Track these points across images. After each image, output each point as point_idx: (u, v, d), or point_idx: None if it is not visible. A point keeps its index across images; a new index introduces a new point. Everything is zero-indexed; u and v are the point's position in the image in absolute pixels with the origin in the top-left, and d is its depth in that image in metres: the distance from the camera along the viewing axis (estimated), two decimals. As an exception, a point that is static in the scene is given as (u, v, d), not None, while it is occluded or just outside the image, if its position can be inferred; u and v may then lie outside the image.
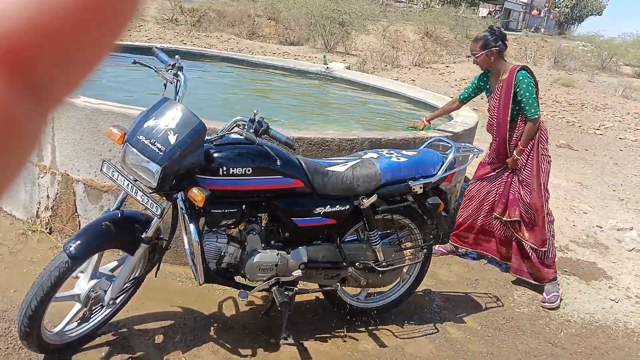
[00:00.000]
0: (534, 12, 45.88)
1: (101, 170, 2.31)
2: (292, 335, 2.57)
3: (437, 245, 3.66)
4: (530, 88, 3.43)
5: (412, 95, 6.25)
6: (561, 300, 3.56)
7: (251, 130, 2.25)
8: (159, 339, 2.53)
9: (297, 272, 2.49)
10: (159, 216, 2.24)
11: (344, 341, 2.75)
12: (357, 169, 2.59)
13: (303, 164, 2.47)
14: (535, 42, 24.28)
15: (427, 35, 19.85)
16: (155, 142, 2.09)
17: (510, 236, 3.67)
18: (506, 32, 3.88)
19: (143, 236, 2.26)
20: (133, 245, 2.29)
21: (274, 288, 2.50)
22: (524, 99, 3.43)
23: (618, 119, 11.21)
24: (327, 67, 7.23)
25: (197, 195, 2.10)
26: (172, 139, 2.09)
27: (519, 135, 3.53)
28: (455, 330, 3.03)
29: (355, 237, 2.82)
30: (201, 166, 2.20)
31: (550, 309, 3.46)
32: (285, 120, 4.88)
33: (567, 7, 49.66)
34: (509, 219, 3.60)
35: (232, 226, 2.44)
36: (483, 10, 38.30)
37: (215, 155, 2.24)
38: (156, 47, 2.55)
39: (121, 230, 2.25)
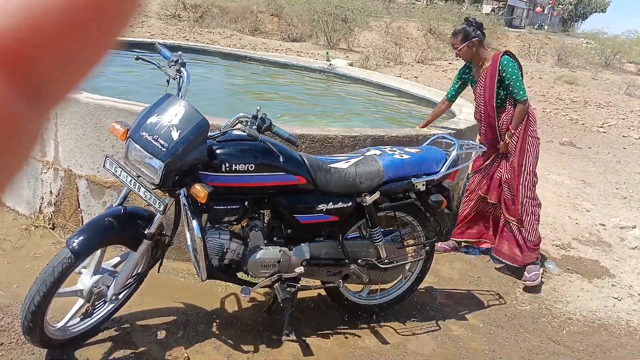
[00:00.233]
0: (538, 9, 45.73)
1: (104, 166, 2.31)
2: (294, 331, 2.57)
3: (440, 242, 3.68)
4: (515, 71, 3.50)
5: (415, 92, 6.23)
6: (542, 281, 3.66)
7: (254, 127, 2.25)
8: (161, 334, 2.54)
9: (300, 269, 2.50)
10: (161, 212, 2.24)
11: (346, 338, 2.75)
12: (359, 166, 2.58)
13: (306, 161, 2.47)
14: (539, 39, 24.20)
15: (430, 32, 19.80)
16: (158, 138, 2.09)
17: (499, 217, 3.78)
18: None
19: (146, 232, 2.27)
20: (136, 241, 2.29)
21: (277, 285, 2.50)
22: (511, 82, 3.49)
23: (621, 116, 11.18)
24: (330, 64, 7.22)
25: (200, 191, 2.10)
26: (175, 135, 2.09)
27: (509, 119, 3.59)
28: (458, 327, 3.03)
29: (358, 234, 2.82)
30: (204, 162, 2.19)
31: (531, 286, 3.57)
32: (288, 116, 4.88)
33: (571, 4, 49.46)
34: (490, 201, 3.75)
35: (235, 222, 2.44)
36: (486, 7, 38.17)
37: (218, 151, 2.24)
38: (159, 43, 2.55)
39: (124, 226, 2.25)
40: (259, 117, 2.27)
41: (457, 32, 3.59)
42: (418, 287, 3.10)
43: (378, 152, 2.71)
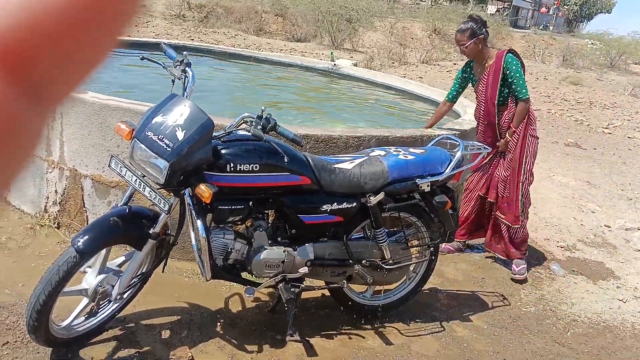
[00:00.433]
0: (543, 9, 45.59)
1: (109, 165, 2.31)
2: (298, 331, 2.57)
3: (444, 243, 3.67)
4: (519, 69, 3.52)
5: (420, 93, 6.22)
6: (527, 276, 3.76)
7: (259, 127, 2.25)
8: (165, 334, 2.54)
9: (304, 269, 2.50)
10: (166, 212, 2.25)
11: (350, 338, 2.75)
12: (364, 167, 2.58)
13: (310, 161, 2.47)
14: (544, 40, 24.13)
15: (435, 33, 19.77)
16: (163, 138, 2.10)
17: (487, 213, 3.85)
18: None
19: (150, 232, 2.27)
20: (141, 241, 2.30)
21: (281, 285, 2.50)
22: (514, 81, 3.51)
23: (627, 117, 11.14)
24: (335, 64, 7.21)
25: (205, 191, 2.11)
26: (180, 135, 2.10)
27: (510, 118, 3.60)
28: (462, 328, 3.03)
29: (362, 235, 2.82)
30: (209, 162, 2.20)
31: (519, 280, 3.66)
32: (293, 117, 4.88)
33: (576, 5, 49.30)
34: (489, 200, 3.76)
35: (239, 222, 2.45)
36: (491, 8, 38.09)
37: (222, 151, 2.24)
38: (164, 43, 2.56)
39: (129, 226, 2.26)
40: (264, 117, 2.27)
41: (464, 29, 3.56)
42: (422, 288, 3.10)
43: (382, 153, 2.70)
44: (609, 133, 9.89)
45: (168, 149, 2.08)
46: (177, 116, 2.14)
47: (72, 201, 3.29)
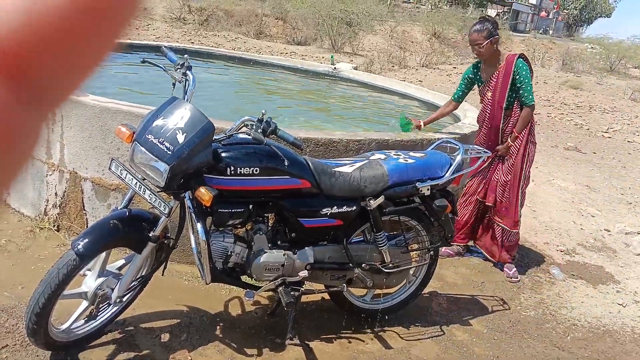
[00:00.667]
0: (543, 13, 45.69)
1: (110, 168, 2.31)
2: (298, 335, 2.57)
3: (444, 247, 3.67)
4: (528, 75, 3.53)
5: (419, 96, 6.23)
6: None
7: (259, 130, 2.25)
8: (165, 337, 2.54)
9: (304, 273, 2.49)
10: (166, 215, 2.25)
11: (350, 342, 2.74)
12: (364, 170, 2.58)
13: (310, 165, 2.47)
14: (544, 44, 24.18)
15: (435, 36, 19.81)
16: (163, 141, 2.10)
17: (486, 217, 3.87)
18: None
19: (150, 235, 2.27)
20: (140, 244, 2.30)
21: (280, 288, 2.50)
22: (522, 86, 3.51)
23: (626, 122, 11.15)
24: (335, 68, 7.23)
25: (205, 194, 2.11)
26: (181, 138, 2.10)
27: (514, 122, 3.61)
28: (461, 332, 3.02)
29: (362, 238, 2.82)
30: (209, 165, 2.20)
31: (514, 282, 3.70)
32: (293, 120, 4.89)
33: (576, 9, 49.42)
34: (487, 204, 3.77)
35: (239, 226, 2.45)
36: (491, 12, 38.17)
37: (223, 154, 2.24)
38: (165, 47, 2.56)
39: (129, 229, 2.26)
40: (264, 120, 2.28)
41: (481, 28, 3.51)
42: (422, 292, 3.10)
43: (383, 156, 2.71)
44: (609, 137, 9.89)
45: (168, 152, 2.08)
46: (178, 119, 2.14)
47: (72, 204, 3.29)
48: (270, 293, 2.82)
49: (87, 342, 2.40)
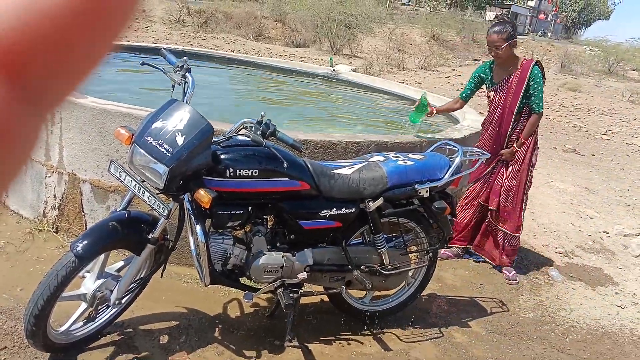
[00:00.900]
0: (541, 16, 45.77)
1: (109, 170, 2.31)
2: (297, 337, 2.56)
3: (443, 249, 3.68)
4: (541, 82, 3.54)
5: (418, 98, 6.23)
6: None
7: (258, 132, 2.25)
8: (164, 339, 2.54)
9: (303, 275, 2.49)
10: (165, 217, 2.25)
11: (349, 344, 2.74)
12: (363, 172, 2.58)
13: (309, 167, 2.47)
14: (542, 46, 24.23)
15: (434, 39, 19.85)
16: (162, 143, 2.10)
17: (486, 220, 3.86)
18: (503, 16, 3.91)
19: (149, 237, 2.27)
20: (139, 246, 2.30)
21: (279, 290, 2.50)
22: (535, 93, 3.51)
23: (625, 124, 11.17)
24: (334, 70, 7.23)
25: (204, 196, 2.11)
26: (180, 140, 2.10)
27: (521, 128, 3.61)
28: (460, 334, 3.02)
29: (361, 240, 2.82)
30: (208, 167, 2.20)
31: (513, 284, 3.71)
32: (292, 122, 4.89)
33: (574, 12, 49.53)
34: (490, 207, 3.76)
35: (238, 228, 2.44)
36: (490, 14, 38.23)
37: (222, 156, 2.24)
38: (164, 49, 2.56)
39: (128, 231, 2.26)
40: (263, 122, 2.28)
41: (501, 30, 3.46)
42: (421, 294, 3.10)
43: (382, 158, 2.71)
44: (607, 139, 9.91)
45: (167, 154, 2.08)
46: (177, 121, 2.14)
47: (70, 206, 3.28)
48: (269, 295, 2.82)
49: (86, 344, 2.39)
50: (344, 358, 2.63)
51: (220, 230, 2.41)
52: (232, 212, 2.30)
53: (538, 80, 3.50)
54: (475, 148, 3.19)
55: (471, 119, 4.57)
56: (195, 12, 16.74)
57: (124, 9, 0.26)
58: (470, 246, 4.00)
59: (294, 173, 2.38)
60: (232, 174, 2.24)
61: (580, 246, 4.70)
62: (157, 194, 2.25)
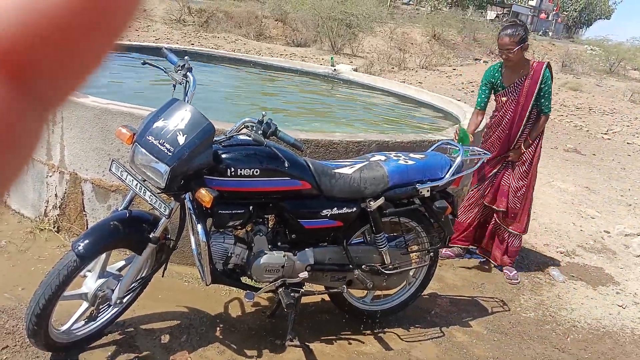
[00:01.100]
0: (542, 15, 45.72)
1: (110, 169, 2.32)
2: (298, 336, 2.57)
3: (444, 248, 3.68)
4: (551, 84, 3.54)
5: (419, 98, 6.24)
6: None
7: (259, 132, 2.25)
8: (165, 338, 2.54)
9: (304, 274, 2.49)
10: (166, 216, 2.25)
11: (350, 343, 2.75)
12: (364, 172, 2.58)
13: (310, 166, 2.47)
14: (543, 46, 24.21)
15: (435, 38, 19.84)
16: (164, 142, 2.10)
17: (490, 222, 3.85)
18: (515, 19, 3.89)
19: (151, 236, 2.27)
20: (141, 245, 2.30)
21: (280, 289, 2.50)
22: (545, 95, 3.52)
23: (626, 123, 11.16)
24: (335, 69, 7.23)
25: (205, 195, 2.11)
26: (181, 139, 2.10)
27: (529, 129, 3.61)
28: (461, 334, 3.02)
29: (362, 240, 2.82)
30: (209, 167, 2.20)
31: (514, 284, 3.71)
32: (293, 122, 4.89)
33: (576, 11, 49.48)
34: (497, 209, 3.74)
35: (239, 227, 2.45)
36: (491, 14, 38.21)
37: (223, 156, 2.24)
38: (165, 48, 2.56)
39: (129, 230, 2.26)
40: (265, 122, 2.28)
41: (514, 33, 3.40)
42: (422, 293, 3.10)
43: (383, 158, 2.71)
44: (608, 139, 9.91)
45: (169, 154, 2.08)
46: (178, 121, 2.15)
47: (72, 205, 3.29)
48: (271, 294, 2.83)
49: (87, 343, 2.40)
50: (345, 357, 2.63)
51: (221, 230, 2.41)
52: (234, 212, 2.30)
53: (549, 82, 3.51)
54: (476, 147, 3.19)
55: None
56: (196, 11, 16.73)
57: (125, 8, 0.26)
58: (472, 246, 4.00)
59: (295, 172, 2.38)
60: (233, 173, 2.24)
61: (582, 246, 4.69)
62: (159, 193, 2.25)
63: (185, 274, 3.06)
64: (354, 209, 2.57)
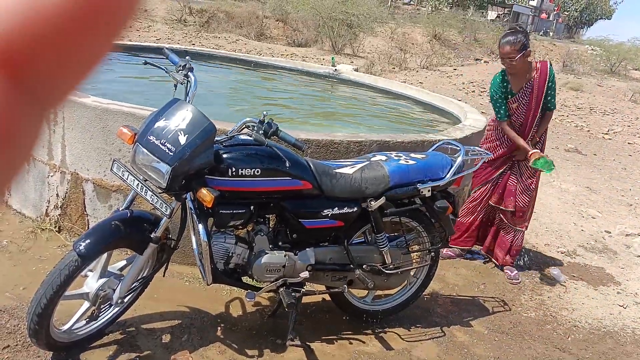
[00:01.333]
0: (543, 15, 45.68)
1: (111, 169, 2.32)
2: (299, 336, 2.57)
3: (445, 248, 3.68)
4: (555, 81, 3.56)
5: (420, 98, 6.24)
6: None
7: (260, 132, 2.25)
8: (166, 338, 2.54)
9: (305, 274, 2.50)
10: (168, 216, 2.25)
11: (350, 343, 2.75)
12: (365, 172, 2.59)
13: (311, 166, 2.47)
14: (544, 46, 24.19)
15: (435, 38, 19.83)
16: (165, 142, 2.11)
17: (494, 221, 3.85)
18: (515, 24, 3.88)
19: (152, 236, 2.27)
20: (142, 245, 2.30)
21: (281, 289, 2.50)
22: (551, 92, 3.53)
23: (627, 123, 11.15)
24: (335, 69, 7.23)
25: (206, 195, 2.11)
26: (182, 139, 2.10)
27: (536, 128, 3.61)
28: (462, 334, 3.02)
29: (363, 240, 2.82)
30: (210, 167, 2.20)
31: (515, 284, 3.70)
32: (294, 122, 4.89)
33: (576, 11, 49.44)
34: (505, 209, 3.72)
35: (240, 227, 2.45)
36: (491, 14, 38.19)
37: (224, 156, 2.25)
38: (167, 48, 2.57)
39: (130, 230, 2.26)
40: (266, 122, 2.28)
41: (514, 41, 3.35)
42: (423, 293, 3.10)
43: (384, 158, 2.71)
44: (609, 139, 9.90)
45: (170, 153, 2.09)
46: (180, 121, 2.15)
47: (73, 205, 3.29)
48: (271, 294, 2.83)
49: (89, 343, 2.40)
50: (346, 357, 2.63)
51: (222, 230, 2.41)
52: (235, 211, 2.31)
53: (555, 80, 3.54)
54: (477, 147, 3.19)
55: (473, 119, 4.57)
56: (197, 11, 16.74)
57: (124, 8, 0.26)
58: (474, 247, 3.99)
59: (296, 172, 2.38)
60: (234, 173, 2.24)
61: (582, 246, 4.69)
62: (160, 193, 2.25)
63: (186, 274, 3.06)
64: (355, 208, 2.57)
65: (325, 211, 2.50)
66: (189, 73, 2.31)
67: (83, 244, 2.13)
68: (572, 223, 5.18)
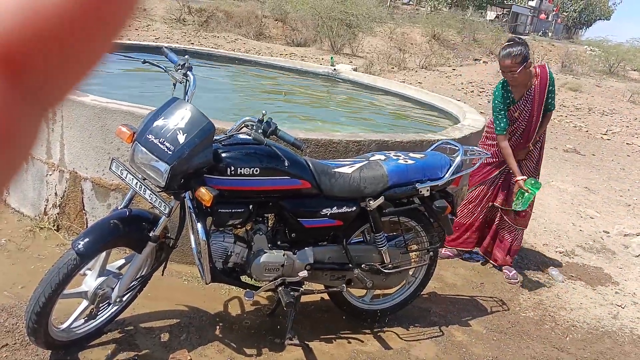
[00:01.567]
0: (542, 16, 45.70)
1: (110, 168, 2.32)
2: (297, 335, 2.57)
3: (444, 248, 3.68)
4: (555, 83, 3.57)
5: (419, 98, 6.24)
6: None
7: (259, 131, 2.25)
8: (164, 337, 2.54)
9: (303, 273, 2.50)
10: (166, 215, 2.25)
11: (349, 342, 2.75)
12: (364, 171, 2.59)
13: (310, 165, 2.47)
14: (543, 46, 24.21)
15: (434, 38, 19.84)
16: (164, 141, 2.11)
17: (494, 222, 3.82)
18: (514, 36, 3.88)
19: (151, 235, 2.28)
20: (140, 244, 2.30)
21: (280, 288, 2.51)
22: (552, 94, 3.56)
23: (625, 124, 11.17)
24: (334, 69, 7.23)
25: (205, 194, 2.11)
26: (181, 138, 2.10)
27: (538, 128, 3.62)
28: (461, 333, 3.03)
29: (362, 239, 2.83)
30: (209, 166, 2.21)
31: (514, 284, 3.72)
32: (293, 121, 4.89)
33: (575, 12, 49.48)
34: (510, 209, 3.69)
35: (239, 226, 2.45)
36: (490, 14, 38.19)
37: (223, 155, 2.25)
38: (166, 47, 2.57)
39: (129, 229, 2.26)
40: (265, 121, 2.28)
41: (516, 53, 3.30)
42: (421, 293, 3.10)
43: (382, 157, 2.71)
44: (608, 139, 9.92)
45: (169, 152, 2.09)
46: (178, 120, 2.15)
47: (71, 204, 3.29)
48: (270, 293, 2.83)
49: (87, 342, 2.40)
50: (344, 356, 2.63)
51: (221, 229, 2.42)
52: (233, 211, 2.31)
53: (554, 82, 3.55)
54: (476, 147, 3.19)
55: (472, 119, 4.57)
56: (196, 11, 16.72)
57: (124, 7, 0.26)
58: (475, 249, 3.97)
59: (295, 172, 2.39)
60: (233, 172, 2.24)
61: (581, 246, 4.70)
62: (159, 192, 2.25)
63: (185, 273, 3.06)
64: (354, 208, 2.58)
65: (324, 210, 2.51)
66: (188, 72, 2.31)
67: (82, 243, 2.13)
68: (570, 223, 5.19)
